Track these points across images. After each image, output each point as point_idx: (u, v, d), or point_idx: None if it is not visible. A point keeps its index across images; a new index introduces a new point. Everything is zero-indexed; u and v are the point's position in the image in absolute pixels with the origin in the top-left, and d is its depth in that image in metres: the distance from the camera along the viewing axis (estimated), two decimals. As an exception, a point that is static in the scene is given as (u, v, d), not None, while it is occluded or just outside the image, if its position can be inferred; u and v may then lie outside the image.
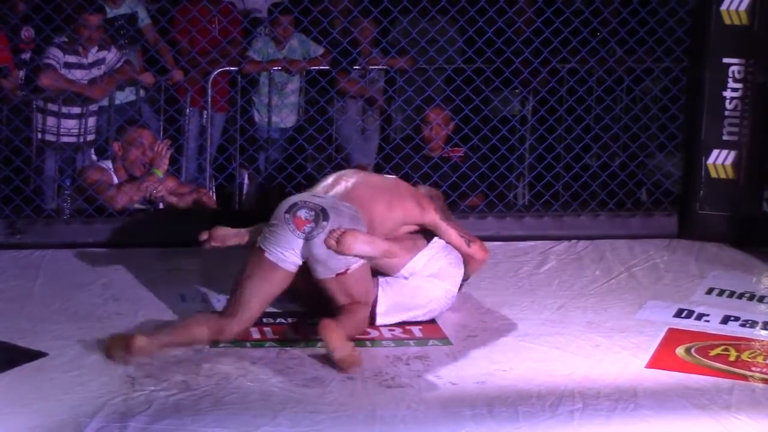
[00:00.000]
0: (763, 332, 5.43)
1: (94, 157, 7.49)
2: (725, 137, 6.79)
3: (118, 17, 7.78)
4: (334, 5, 7.41)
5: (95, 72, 7.44)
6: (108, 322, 5.22)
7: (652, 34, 7.06)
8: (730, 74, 6.74)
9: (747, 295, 5.94)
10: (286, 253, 5.05)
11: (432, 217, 5.44)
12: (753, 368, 4.99)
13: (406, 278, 5.34)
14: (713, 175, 6.81)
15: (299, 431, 4.29)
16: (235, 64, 7.84)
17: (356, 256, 5.06)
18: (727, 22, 6.70)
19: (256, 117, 8.18)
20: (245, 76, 7.98)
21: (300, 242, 5.05)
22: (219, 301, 5.43)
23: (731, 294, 5.95)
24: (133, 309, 5.41)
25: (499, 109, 7.56)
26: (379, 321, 5.32)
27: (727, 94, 6.76)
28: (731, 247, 6.69)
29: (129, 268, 5.92)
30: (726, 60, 6.74)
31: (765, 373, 4.93)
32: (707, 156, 6.81)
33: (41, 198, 6.85)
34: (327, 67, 7.95)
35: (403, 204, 5.38)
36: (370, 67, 7.93)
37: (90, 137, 7.50)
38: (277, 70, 8.04)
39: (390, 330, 5.31)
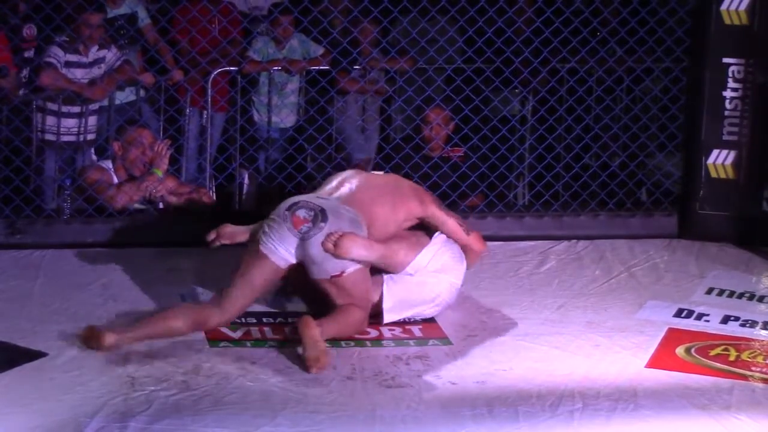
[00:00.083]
0: (763, 332, 5.43)
1: (94, 157, 7.49)
2: (725, 137, 6.79)
3: (118, 17, 7.78)
4: (334, 5, 7.41)
5: (96, 71, 7.44)
6: (107, 321, 5.21)
7: (652, 34, 7.06)
8: (730, 74, 6.74)
9: (747, 295, 5.94)
10: (279, 247, 5.07)
11: (432, 209, 5.47)
12: (753, 368, 4.99)
13: (411, 275, 5.35)
14: (713, 175, 6.81)
15: (299, 431, 4.29)
16: (235, 64, 7.84)
17: (353, 260, 5.07)
18: (727, 22, 6.70)
19: (256, 117, 8.18)
20: (245, 76, 7.98)
21: (295, 241, 5.07)
22: (219, 301, 5.42)
23: (731, 294, 5.95)
24: (133, 309, 5.40)
25: (499, 109, 7.56)
26: (386, 317, 5.32)
27: (727, 94, 6.76)
28: (731, 246, 6.69)
29: (129, 268, 5.92)
30: (726, 60, 6.74)
31: (765, 373, 4.93)
32: (707, 156, 6.81)
33: (41, 198, 6.85)
34: (327, 67, 7.95)
35: (405, 204, 5.40)
36: (371, 68, 7.93)
37: (90, 136, 7.50)
38: (277, 70, 8.04)
39: (390, 330, 5.31)
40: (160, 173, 6.65)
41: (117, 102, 7.66)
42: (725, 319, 5.56)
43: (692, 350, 5.16)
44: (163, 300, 5.51)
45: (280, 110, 8.18)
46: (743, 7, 6.66)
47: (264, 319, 5.35)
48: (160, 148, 6.69)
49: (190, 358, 4.87)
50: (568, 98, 7.51)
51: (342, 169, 6.05)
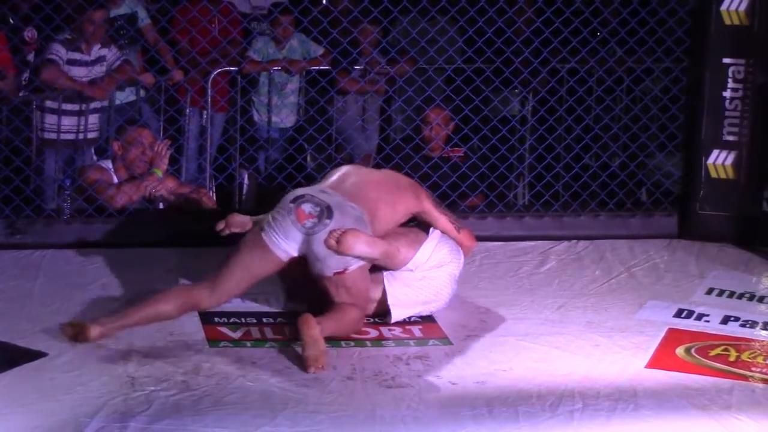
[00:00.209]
0: (763, 332, 5.43)
1: (94, 157, 7.49)
2: (725, 137, 6.79)
3: (118, 17, 7.79)
4: (334, 5, 7.41)
5: (97, 69, 7.45)
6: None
7: (652, 34, 7.06)
8: (730, 74, 6.74)
9: (747, 295, 5.94)
10: (282, 240, 5.06)
11: (426, 205, 5.49)
12: (753, 368, 4.99)
13: (411, 271, 5.36)
14: (713, 175, 6.81)
15: (299, 431, 4.29)
16: (235, 64, 7.84)
17: (356, 257, 5.06)
18: (727, 22, 6.70)
19: (256, 117, 8.19)
20: (245, 76, 7.98)
21: (298, 235, 5.06)
22: (219, 301, 5.42)
23: (731, 294, 5.95)
24: (130, 307, 5.39)
25: (499, 109, 7.57)
26: (394, 316, 5.33)
27: (727, 94, 6.76)
28: (731, 247, 6.69)
29: (129, 268, 5.92)
30: (726, 60, 6.74)
31: (765, 374, 4.93)
32: (707, 156, 6.81)
33: (41, 198, 6.85)
34: (327, 67, 7.95)
35: (405, 201, 5.41)
36: (371, 68, 7.93)
37: (92, 135, 7.50)
38: (277, 70, 8.04)
39: (390, 330, 5.31)
40: (159, 173, 6.65)
41: (117, 102, 7.66)
42: (725, 320, 5.56)
43: (692, 350, 5.16)
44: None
45: (280, 110, 8.18)
46: (743, 7, 6.66)
47: (264, 319, 5.35)
48: (160, 148, 6.69)
49: (190, 358, 4.87)
50: (568, 98, 7.52)
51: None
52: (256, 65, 8.00)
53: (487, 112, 7.15)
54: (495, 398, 4.58)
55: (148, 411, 4.36)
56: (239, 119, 7.80)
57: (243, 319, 5.33)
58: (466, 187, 6.89)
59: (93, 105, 7.49)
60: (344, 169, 5.50)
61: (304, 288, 5.39)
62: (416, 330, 5.33)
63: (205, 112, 7.99)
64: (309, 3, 7.93)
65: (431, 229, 5.49)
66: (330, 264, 5.06)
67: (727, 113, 6.77)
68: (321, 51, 8.08)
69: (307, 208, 5.09)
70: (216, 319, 5.29)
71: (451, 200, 6.66)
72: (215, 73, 7.84)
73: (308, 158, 7.90)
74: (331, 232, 5.02)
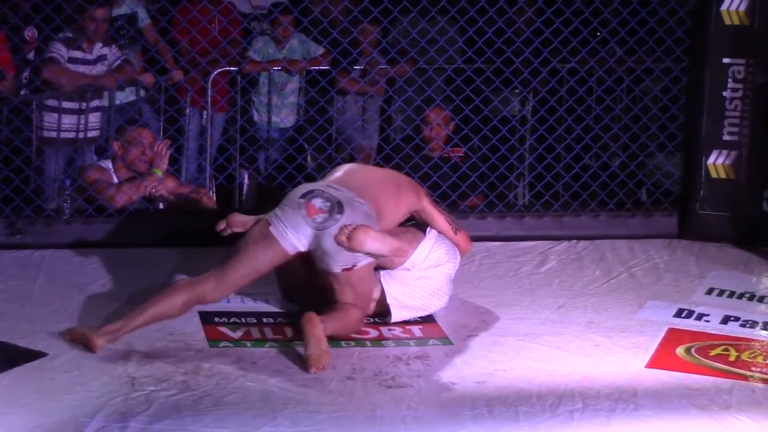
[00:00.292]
0: (763, 332, 5.43)
1: (94, 156, 7.49)
2: (725, 137, 6.79)
3: (118, 17, 7.79)
4: (335, 5, 7.42)
5: (99, 68, 7.45)
6: (108, 322, 5.21)
7: (652, 34, 7.06)
8: (730, 74, 6.74)
9: (747, 295, 5.94)
10: (291, 234, 5.02)
11: (425, 203, 5.49)
12: (753, 368, 4.99)
13: (408, 270, 5.35)
14: (713, 175, 6.81)
15: (299, 431, 4.29)
16: (235, 64, 7.85)
17: (366, 253, 5.04)
18: (727, 22, 6.70)
19: (256, 117, 8.19)
20: (245, 76, 7.98)
21: (308, 230, 5.03)
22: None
23: (731, 294, 5.94)
24: (130, 309, 5.40)
25: (499, 109, 7.57)
26: (395, 316, 5.32)
27: (727, 94, 6.75)
28: (731, 247, 6.69)
29: (129, 268, 5.92)
30: (726, 60, 6.74)
31: (765, 373, 4.93)
32: (707, 156, 6.81)
33: (41, 198, 6.85)
34: (327, 67, 7.95)
35: (407, 199, 5.41)
36: (372, 68, 7.93)
37: (93, 133, 7.49)
38: (277, 70, 8.05)
39: (390, 330, 5.31)
40: (159, 173, 6.66)
41: (117, 102, 7.66)
42: (725, 320, 5.56)
43: (692, 350, 5.16)
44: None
45: (280, 110, 8.18)
46: (743, 7, 6.66)
47: (264, 319, 5.35)
48: (160, 148, 6.69)
49: (190, 358, 4.87)
50: (568, 98, 7.52)
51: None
52: (256, 65, 8.00)
53: (487, 112, 7.15)
54: (495, 398, 4.58)
55: (148, 411, 4.36)
56: (239, 119, 7.80)
57: (243, 319, 5.33)
58: (466, 187, 6.89)
59: (93, 103, 7.49)
60: (347, 167, 5.48)
61: (301, 289, 5.39)
62: (416, 330, 5.33)
63: (205, 112, 7.99)
64: (309, 3, 7.94)
65: (428, 229, 5.49)
66: (338, 260, 5.04)
67: (727, 113, 6.77)
68: (321, 51, 8.08)
69: (317, 203, 5.06)
70: (216, 319, 5.30)
71: (451, 200, 6.66)
72: (215, 73, 7.84)
73: (308, 158, 7.90)
74: (341, 229, 4.99)
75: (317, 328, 4.83)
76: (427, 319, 5.44)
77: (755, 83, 6.72)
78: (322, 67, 7.98)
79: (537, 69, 7.21)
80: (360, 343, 5.10)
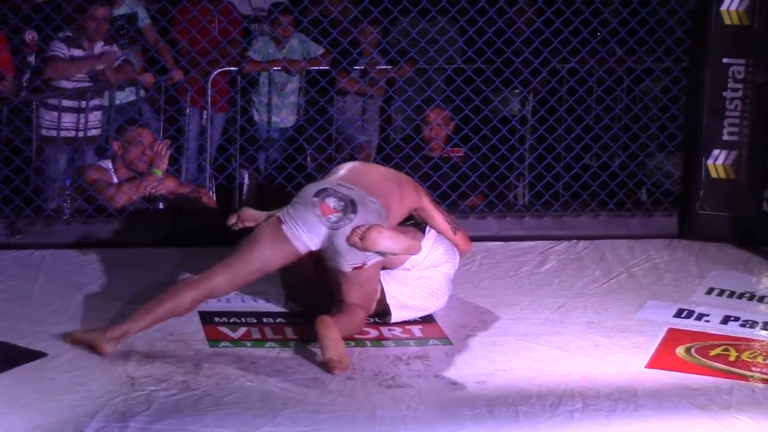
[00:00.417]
0: (763, 332, 5.43)
1: (95, 156, 7.49)
2: (725, 137, 6.79)
3: (118, 17, 7.79)
4: (335, 5, 7.42)
5: (101, 66, 7.46)
6: (108, 322, 5.21)
7: (652, 34, 7.06)
8: (730, 74, 6.74)
9: (747, 295, 5.94)
10: (304, 233, 5.00)
11: (425, 202, 5.48)
12: (753, 368, 4.99)
13: (408, 270, 5.35)
14: (713, 175, 6.81)
15: (299, 431, 4.29)
16: (235, 64, 7.85)
17: (379, 252, 5.04)
18: (727, 22, 6.70)
19: (256, 117, 8.20)
20: (245, 76, 7.99)
21: (322, 230, 5.01)
22: (218, 301, 5.41)
23: (731, 294, 5.94)
24: (132, 309, 5.40)
25: (499, 109, 7.57)
26: (395, 316, 5.32)
27: (727, 94, 6.75)
28: (731, 247, 6.69)
29: (129, 268, 5.92)
30: (726, 60, 6.74)
31: (765, 374, 4.93)
32: (707, 156, 6.81)
33: (41, 198, 6.85)
34: (327, 67, 7.95)
35: (409, 197, 5.41)
36: (372, 69, 7.93)
37: (95, 132, 7.49)
38: (277, 70, 8.05)
39: (390, 330, 5.31)
40: (159, 173, 6.66)
41: (117, 102, 7.67)
42: (725, 320, 5.56)
43: (692, 350, 5.16)
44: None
45: (280, 110, 8.19)
46: (743, 7, 6.66)
47: (264, 319, 5.35)
48: (160, 148, 6.69)
49: (190, 358, 4.87)
50: (568, 98, 7.52)
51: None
52: (256, 65, 8.00)
53: (487, 112, 7.15)
54: (495, 398, 4.58)
55: (148, 411, 4.36)
56: (239, 119, 7.80)
57: (243, 319, 5.33)
58: (466, 187, 6.89)
59: (93, 102, 7.49)
60: (350, 165, 5.46)
61: (306, 288, 5.39)
62: (416, 330, 5.33)
63: (205, 112, 7.99)
64: (309, 3, 7.94)
65: (427, 228, 5.49)
66: (350, 259, 5.02)
67: (727, 113, 6.77)
68: (321, 51, 8.09)
69: (331, 202, 5.04)
70: (216, 319, 5.30)
71: (451, 200, 6.66)
72: (215, 73, 7.84)
73: (308, 158, 7.90)
74: (354, 230, 4.96)
75: (333, 331, 4.81)
76: (427, 319, 5.44)
77: (755, 83, 6.72)
78: (322, 67, 7.98)
79: (537, 69, 7.22)
80: (360, 343, 5.10)
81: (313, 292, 5.32)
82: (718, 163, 6.79)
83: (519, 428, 4.38)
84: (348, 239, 4.96)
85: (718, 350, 5.16)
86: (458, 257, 5.59)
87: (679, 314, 5.62)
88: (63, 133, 7.33)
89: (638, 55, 7.29)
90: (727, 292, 5.96)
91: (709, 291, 5.99)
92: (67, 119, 7.36)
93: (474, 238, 5.91)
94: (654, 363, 5.03)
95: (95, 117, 7.52)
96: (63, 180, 6.92)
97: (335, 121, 7.81)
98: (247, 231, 5.24)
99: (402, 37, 7.83)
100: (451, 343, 5.19)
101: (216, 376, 4.70)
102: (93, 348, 4.82)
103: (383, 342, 5.19)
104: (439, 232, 5.51)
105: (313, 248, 5.04)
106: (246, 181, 8.12)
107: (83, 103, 7.38)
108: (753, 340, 5.33)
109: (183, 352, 4.92)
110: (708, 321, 5.54)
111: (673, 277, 6.20)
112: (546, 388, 4.69)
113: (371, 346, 5.13)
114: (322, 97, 7.57)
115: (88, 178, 6.65)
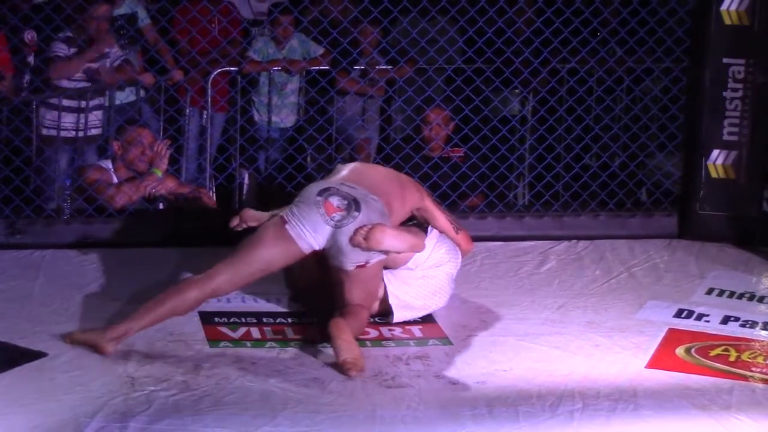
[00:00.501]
0: (763, 332, 5.43)
1: (95, 156, 7.49)
2: (725, 137, 6.78)
3: (118, 17, 7.79)
4: (335, 5, 7.42)
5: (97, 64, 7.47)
6: (108, 322, 5.21)
7: (652, 34, 7.06)
8: (730, 74, 6.73)
9: (747, 295, 5.94)
10: (308, 232, 5.00)
11: (427, 202, 5.49)
12: (753, 368, 4.99)
13: (411, 269, 5.35)
14: (713, 175, 6.81)
15: (299, 431, 4.29)
16: (235, 64, 7.85)
17: (383, 251, 5.03)
18: (727, 22, 6.70)
19: (256, 117, 8.20)
20: (245, 76, 7.99)
21: (326, 228, 5.00)
22: (218, 301, 5.41)
23: (731, 294, 5.94)
24: (132, 309, 5.39)
25: (499, 109, 7.57)
26: (397, 316, 5.32)
27: (727, 94, 6.75)
28: (731, 247, 6.69)
29: (129, 268, 5.92)
30: (726, 60, 6.74)
31: (765, 374, 4.93)
32: (707, 156, 6.81)
33: (41, 198, 6.85)
34: (327, 67, 7.95)
35: (411, 196, 5.42)
36: (372, 69, 7.93)
37: (95, 131, 7.49)
38: (277, 70, 8.05)
39: (390, 330, 5.31)
40: (159, 173, 6.66)
41: (117, 102, 7.67)
42: (725, 320, 5.56)
43: (692, 350, 5.16)
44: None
45: (280, 110, 8.19)
46: (743, 7, 6.66)
47: (264, 319, 5.35)
48: (160, 148, 6.70)
49: (190, 358, 4.87)
50: (568, 98, 7.52)
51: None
52: (256, 65, 8.00)
53: (487, 112, 7.14)
54: (495, 398, 4.58)
55: (148, 411, 4.36)
56: (239, 119, 7.80)
57: (243, 319, 5.33)
58: (466, 187, 6.89)
59: (93, 102, 7.49)
60: (351, 165, 5.46)
61: (310, 287, 5.38)
62: (416, 330, 5.33)
63: (205, 112, 7.99)
64: (309, 3, 7.94)
65: (429, 228, 5.49)
66: (353, 257, 5.01)
67: (727, 113, 6.77)
68: (321, 51, 8.09)
69: (335, 201, 5.04)
70: (216, 319, 5.30)
71: (451, 200, 6.66)
72: (215, 73, 7.84)
73: (308, 158, 7.90)
74: (357, 230, 4.95)
75: (346, 332, 4.81)
76: (427, 319, 5.44)
77: (755, 83, 6.72)
78: (322, 67, 7.98)
79: (537, 69, 7.21)
80: (360, 343, 5.09)
81: (317, 292, 5.32)
82: (718, 163, 6.79)
83: (519, 428, 4.38)
84: (352, 240, 4.96)
85: (718, 350, 5.16)
86: (460, 257, 5.59)
87: (679, 314, 5.62)
88: (63, 133, 7.33)
89: (638, 55, 7.29)
90: (727, 293, 5.96)
91: (709, 291, 5.99)
92: (68, 119, 7.36)
93: (474, 238, 5.90)
94: (654, 363, 5.03)
95: (95, 117, 7.52)
96: (63, 180, 6.92)
97: (335, 121, 7.81)
98: (249, 231, 5.25)
99: (402, 37, 7.83)
100: (451, 343, 5.19)
101: (216, 376, 4.70)
102: (93, 348, 4.82)
103: (383, 342, 5.19)
104: (441, 231, 5.51)
105: (317, 248, 5.04)
106: (246, 181, 8.12)
107: (83, 103, 7.38)
108: (753, 340, 5.33)
109: (183, 352, 4.92)
110: (708, 321, 5.54)
111: (673, 277, 6.20)
112: (546, 388, 4.69)
113: (371, 346, 5.13)
114: (322, 97, 7.57)
115: (88, 178, 6.65)
